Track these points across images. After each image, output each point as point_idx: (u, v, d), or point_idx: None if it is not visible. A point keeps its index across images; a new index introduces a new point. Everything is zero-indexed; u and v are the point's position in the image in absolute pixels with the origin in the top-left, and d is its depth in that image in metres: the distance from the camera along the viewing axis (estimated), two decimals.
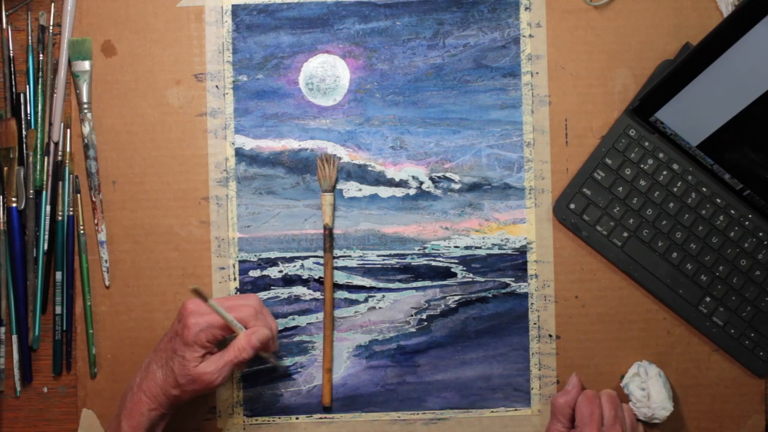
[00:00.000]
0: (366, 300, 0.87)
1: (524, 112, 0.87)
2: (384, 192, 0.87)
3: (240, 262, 0.87)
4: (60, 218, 0.86)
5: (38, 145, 0.86)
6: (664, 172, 0.86)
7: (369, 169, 0.87)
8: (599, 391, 0.82)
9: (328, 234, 0.86)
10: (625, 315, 0.87)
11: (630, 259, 0.86)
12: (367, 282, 0.87)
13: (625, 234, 0.86)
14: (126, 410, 0.77)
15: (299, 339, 0.87)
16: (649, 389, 0.83)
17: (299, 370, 0.87)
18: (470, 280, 0.87)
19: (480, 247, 0.87)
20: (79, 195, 0.86)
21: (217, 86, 0.87)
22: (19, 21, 0.87)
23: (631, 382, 0.84)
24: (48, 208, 0.86)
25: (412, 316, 0.87)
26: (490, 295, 0.87)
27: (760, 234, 0.86)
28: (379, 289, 0.87)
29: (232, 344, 0.77)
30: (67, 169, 0.86)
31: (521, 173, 0.87)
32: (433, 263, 0.87)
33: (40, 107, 0.86)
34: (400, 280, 0.87)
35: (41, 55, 0.86)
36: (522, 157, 0.87)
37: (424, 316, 0.87)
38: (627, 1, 0.87)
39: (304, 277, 0.87)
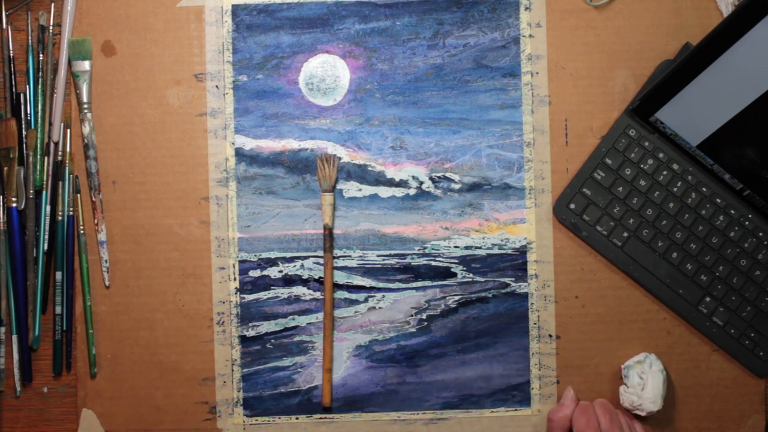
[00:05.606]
0: (366, 300, 0.87)
1: (524, 112, 0.87)
2: (384, 192, 0.87)
3: (240, 262, 0.87)
4: (60, 218, 0.86)
5: (38, 145, 0.86)
6: (664, 172, 0.86)
7: (369, 169, 0.87)
8: (592, 402, 0.82)
9: (328, 234, 0.86)
10: (625, 315, 0.87)
11: (630, 259, 0.86)
12: (367, 282, 0.87)
13: (625, 234, 0.86)
14: None
15: (299, 339, 0.87)
16: (647, 380, 0.83)
17: (299, 370, 0.87)
18: (470, 280, 0.87)
19: (480, 247, 0.87)
20: (79, 195, 0.86)
21: (217, 86, 0.87)
22: (19, 21, 0.87)
23: (633, 368, 0.84)
24: (48, 208, 0.86)
25: (412, 316, 0.87)
26: (490, 295, 0.87)
27: (760, 234, 0.86)
28: (379, 289, 0.87)
29: None
30: (67, 169, 0.86)
31: (521, 173, 0.87)
32: (433, 263, 0.87)
33: (40, 107, 0.86)
34: (400, 280, 0.87)
35: (41, 55, 0.86)
36: (522, 157, 0.87)
37: (424, 316, 0.87)
38: (627, 1, 0.87)
39: (304, 277, 0.87)
